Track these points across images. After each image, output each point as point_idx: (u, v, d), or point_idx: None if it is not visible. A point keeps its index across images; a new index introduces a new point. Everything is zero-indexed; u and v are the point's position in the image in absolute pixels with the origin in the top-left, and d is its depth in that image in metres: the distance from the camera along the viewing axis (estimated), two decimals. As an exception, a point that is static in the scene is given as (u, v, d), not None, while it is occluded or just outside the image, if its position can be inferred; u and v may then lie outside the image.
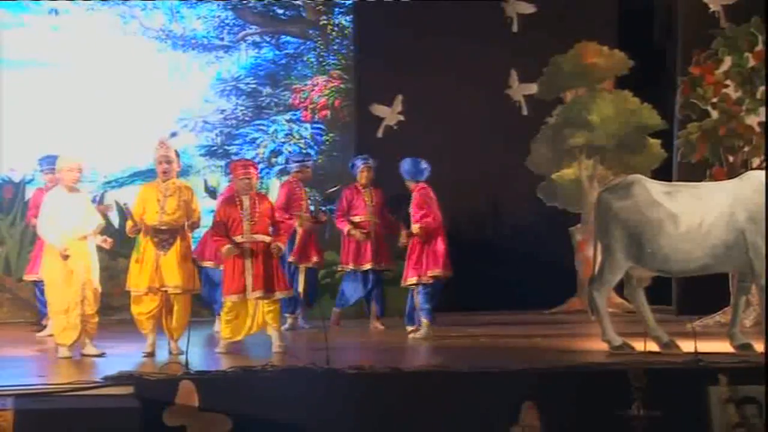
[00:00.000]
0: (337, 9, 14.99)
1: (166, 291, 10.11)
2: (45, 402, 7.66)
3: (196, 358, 8.96)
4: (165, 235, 10.17)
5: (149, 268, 10.11)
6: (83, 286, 9.95)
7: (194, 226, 10.45)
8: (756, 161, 12.31)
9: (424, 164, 11.89)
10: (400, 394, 8.27)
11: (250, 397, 8.07)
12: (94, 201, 13.14)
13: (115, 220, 13.31)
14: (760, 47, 12.41)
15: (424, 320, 11.65)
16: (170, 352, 10.11)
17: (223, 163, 14.39)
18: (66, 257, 9.84)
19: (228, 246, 10.17)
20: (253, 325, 10.23)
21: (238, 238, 10.23)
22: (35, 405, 7.57)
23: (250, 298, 10.15)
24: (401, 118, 14.75)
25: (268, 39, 14.85)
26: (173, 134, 10.98)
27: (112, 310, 12.58)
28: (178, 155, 10.57)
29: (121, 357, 9.78)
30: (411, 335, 11.67)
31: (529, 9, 14.84)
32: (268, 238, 10.26)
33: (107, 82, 14.13)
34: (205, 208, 11.71)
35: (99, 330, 10.14)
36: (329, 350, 8.65)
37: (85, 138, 13.76)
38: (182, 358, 8.85)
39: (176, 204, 10.22)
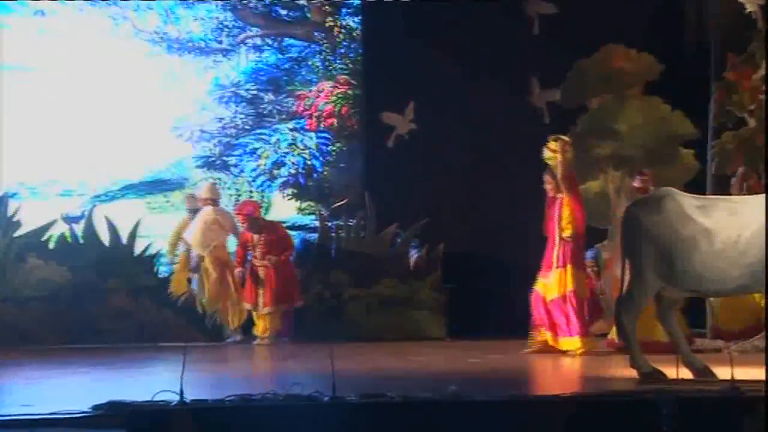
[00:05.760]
0: (344, 9, 14.98)
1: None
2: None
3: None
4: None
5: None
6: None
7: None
8: (797, 173, 12.47)
9: None
10: (411, 425, 7.86)
11: (249, 428, 7.80)
12: (81, 217, 13.84)
13: (106, 239, 13.55)
14: (800, 50, 12.26)
15: None
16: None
17: (221, 175, 14.51)
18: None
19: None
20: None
21: (255, 262, 13.22)
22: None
23: (261, 312, 13.00)
24: (413, 126, 14.61)
25: (270, 42, 14.80)
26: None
27: (97, 336, 12.80)
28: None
29: (109, 384, 9.75)
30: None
31: (551, 9, 14.71)
32: (278, 259, 13.06)
33: (97, 89, 14.12)
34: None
35: (87, 357, 11.66)
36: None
37: (73, 147, 13.90)
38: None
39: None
